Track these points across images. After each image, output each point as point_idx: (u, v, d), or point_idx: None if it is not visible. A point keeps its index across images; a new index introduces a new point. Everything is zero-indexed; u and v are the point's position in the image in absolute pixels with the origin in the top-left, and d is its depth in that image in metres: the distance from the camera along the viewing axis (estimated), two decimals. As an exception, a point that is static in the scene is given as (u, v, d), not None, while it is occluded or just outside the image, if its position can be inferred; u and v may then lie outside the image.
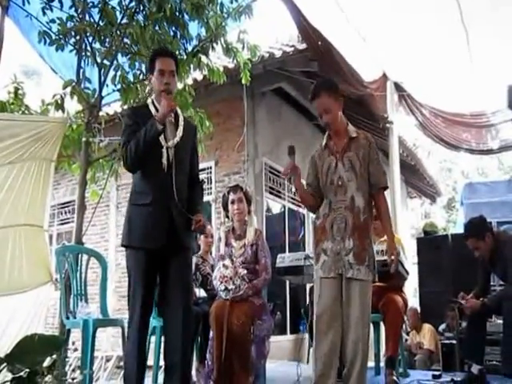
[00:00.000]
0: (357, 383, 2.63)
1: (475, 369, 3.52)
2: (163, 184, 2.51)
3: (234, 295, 3.23)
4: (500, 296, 3.57)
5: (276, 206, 7.42)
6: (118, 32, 4.10)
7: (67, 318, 3.23)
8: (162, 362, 3.80)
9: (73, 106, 4.32)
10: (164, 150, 2.55)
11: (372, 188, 2.77)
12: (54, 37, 3.83)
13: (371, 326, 3.58)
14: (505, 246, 3.57)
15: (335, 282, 2.68)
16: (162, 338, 3.62)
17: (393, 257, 2.73)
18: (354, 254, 2.65)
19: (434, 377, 3.89)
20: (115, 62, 4.21)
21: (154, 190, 2.53)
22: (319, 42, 5.59)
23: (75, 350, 2.78)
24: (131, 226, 2.58)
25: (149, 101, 2.71)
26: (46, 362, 2.41)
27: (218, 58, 5.31)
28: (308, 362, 5.47)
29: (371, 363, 3.87)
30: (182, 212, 2.54)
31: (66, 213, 8.52)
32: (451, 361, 4.80)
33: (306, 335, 6.43)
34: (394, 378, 3.46)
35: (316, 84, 2.81)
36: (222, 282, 3.24)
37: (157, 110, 2.59)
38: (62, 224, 8.55)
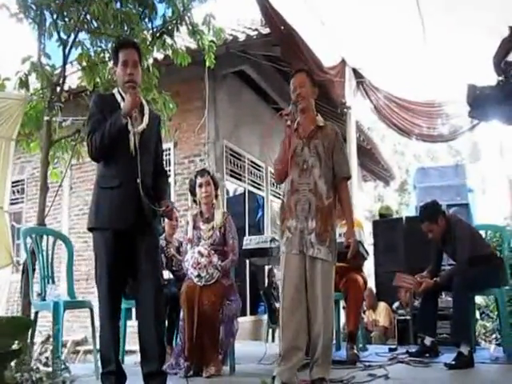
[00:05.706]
0: (322, 357, 2.71)
1: (428, 341, 3.78)
2: (131, 168, 2.54)
3: (206, 283, 3.29)
4: (450, 273, 3.81)
5: (236, 189, 7.46)
6: (80, 7, 3.95)
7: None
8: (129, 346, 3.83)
9: (30, 82, 4.13)
10: (131, 136, 2.59)
11: (335, 177, 2.87)
12: (12, 10, 3.65)
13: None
14: (455, 228, 3.79)
15: (299, 258, 2.76)
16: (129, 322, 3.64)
17: (350, 240, 2.84)
18: (316, 234, 2.74)
19: (391, 350, 4.14)
20: (76, 40, 4.06)
21: (122, 173, 2.57)
22: (282, 27, 5.60)
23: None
24: (99, 208, 2.60)
25: (115, 90, 2.73)
26: (15, 345, 2.35)
27: (177, 37, 5.21)
28: (267, 341, 5.62)
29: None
30: (148, 195, 2.57)
31: (14, 192, 7.98)
32: (405, 335, 5.09)
33: (265, 316, 6.58)
34: (355, 351, 3.64)
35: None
36: (195, 268, 3.27)
37: (123, 99, 2.62)
38: (11, 204, 8.10)
